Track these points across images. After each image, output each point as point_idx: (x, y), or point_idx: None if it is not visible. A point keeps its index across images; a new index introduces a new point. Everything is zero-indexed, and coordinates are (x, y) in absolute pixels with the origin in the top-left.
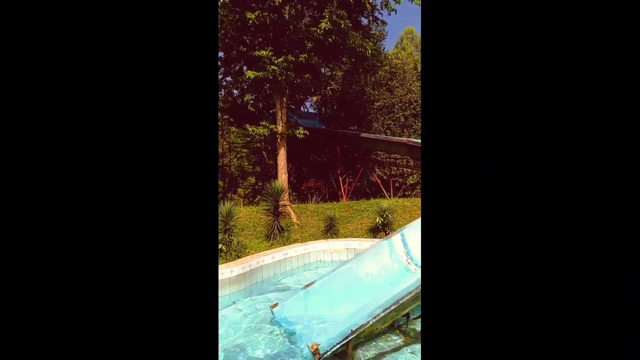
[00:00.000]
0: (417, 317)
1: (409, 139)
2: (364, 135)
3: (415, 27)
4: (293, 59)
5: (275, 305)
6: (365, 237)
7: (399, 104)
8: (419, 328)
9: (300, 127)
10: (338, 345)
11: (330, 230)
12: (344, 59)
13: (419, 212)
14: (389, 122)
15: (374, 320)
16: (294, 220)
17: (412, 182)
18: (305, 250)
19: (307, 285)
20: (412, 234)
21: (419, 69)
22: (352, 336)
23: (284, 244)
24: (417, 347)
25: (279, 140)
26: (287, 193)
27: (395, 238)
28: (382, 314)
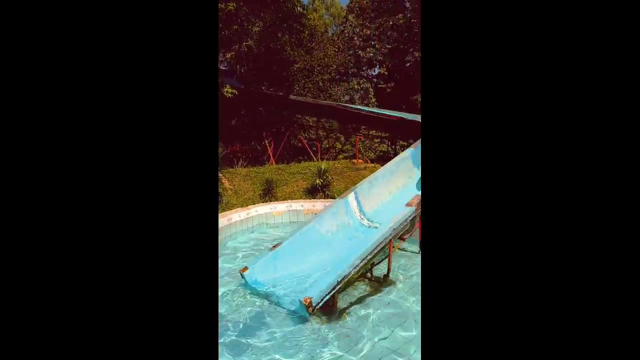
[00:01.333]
0: (378, 264)
1: (338, 103)
2: (292, 97)
3: None
4: (222, 5)
5: (245, 269)
6: (305, 199)
7: (318, 67)
8: (377, 273)
9: (227, 86)
10: (327, 296)
11: (269, 194)
12: (262, 14)
13: (351, 173)
14: (309, 85)
15: (355, 270)
16: (227, 185)
17: (339, 146)
18: (248, 215)
19: (275, 246)
20: (363, 192)
21: (330, 32)
22: (339, 286)
23: (222, 210)
24: (383, 289)
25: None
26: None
27: (350, 197)
28: (361, 264)
